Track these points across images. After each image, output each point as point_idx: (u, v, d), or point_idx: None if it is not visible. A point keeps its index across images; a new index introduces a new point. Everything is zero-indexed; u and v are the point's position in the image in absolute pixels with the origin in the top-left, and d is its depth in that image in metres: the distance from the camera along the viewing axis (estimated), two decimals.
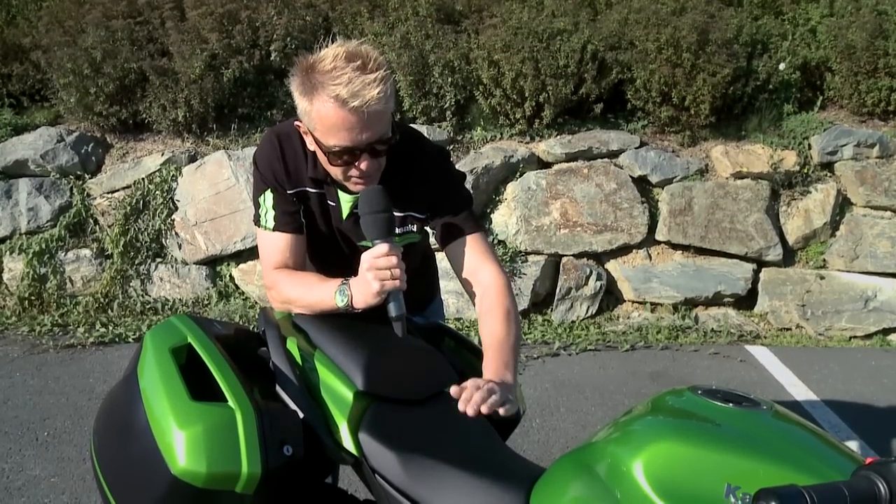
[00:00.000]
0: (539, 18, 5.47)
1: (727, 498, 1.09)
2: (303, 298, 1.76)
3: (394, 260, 1.59)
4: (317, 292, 1.73)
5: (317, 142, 1.65)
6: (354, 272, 1.68)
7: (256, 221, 1.86)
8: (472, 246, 1.82)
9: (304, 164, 1.81)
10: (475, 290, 1.80)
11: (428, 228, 1.92)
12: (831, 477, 1.06)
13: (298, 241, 1.84)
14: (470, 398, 1.38)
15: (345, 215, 1.84)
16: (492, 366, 1.60)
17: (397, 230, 1.82)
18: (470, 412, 1.36)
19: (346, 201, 1.82)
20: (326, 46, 1.61)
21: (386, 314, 1.61)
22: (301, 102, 1.63)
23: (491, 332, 1.69)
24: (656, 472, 1.14)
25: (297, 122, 1.72)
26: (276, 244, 1.83)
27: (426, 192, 1.83)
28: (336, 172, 1.69)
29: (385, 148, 1.66)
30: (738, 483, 1.10)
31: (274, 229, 1.82)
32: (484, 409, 1.36)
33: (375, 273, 1.58)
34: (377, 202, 1.62)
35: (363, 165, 1.64)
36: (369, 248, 1.63)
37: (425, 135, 2.05)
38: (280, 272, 1.82)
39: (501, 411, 1.40)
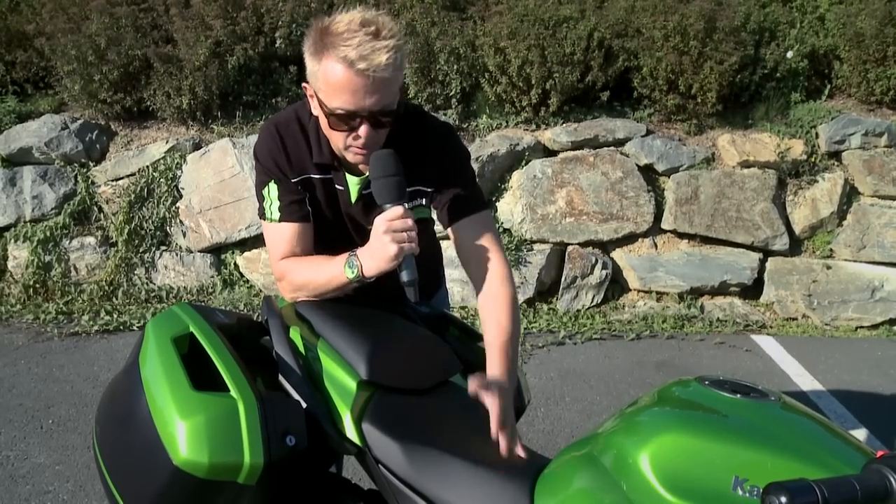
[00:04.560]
0: (545, 6, 5.43)
1: (735, 490, 1.08)
2: (314, 280, 1.74)
3: (409, 222, 1.58)
4: (326, 270, 1.71)
5: (320, 104, 1.63)
6: None
7: (262, 215, 1.85)
8: (480, 225, 1.82)
9: (306, 150, 1.79)
10: (476, 272, 1.80)
11: (433, 208, 1.90)
12: (841, 470, 1.04)
13: (306, 229, 1.82)
14: (505, 446, 1.48)
15: (353, 199, 1.82)
16: (500, 363, 1.64)
17: (408, 204, 1.82)
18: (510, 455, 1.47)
19: (354, 184, 1.81)
20: (346, 11, 1.61)
21: (391, 289, 1.63)
22: (311, 63, 1.63)
23: (496, 322, 1.71)
24: (663, 464, 1.13)
25: (304, 84, 1.71)
26: (282, 234, 1.81)
27: (434, 165, 1.82)
28: (336, 140, 1.68)
29: (388, 120, 1.65)
30: (746, 475, 1.09)
31: (280, 220, 1.80)
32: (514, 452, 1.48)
33: (392, 235, 1.57)
34: (389, 166, 1.61)
35: (362, 132, 1.61)
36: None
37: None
38: (288, 261, 1.80)
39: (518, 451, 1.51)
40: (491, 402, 1.49)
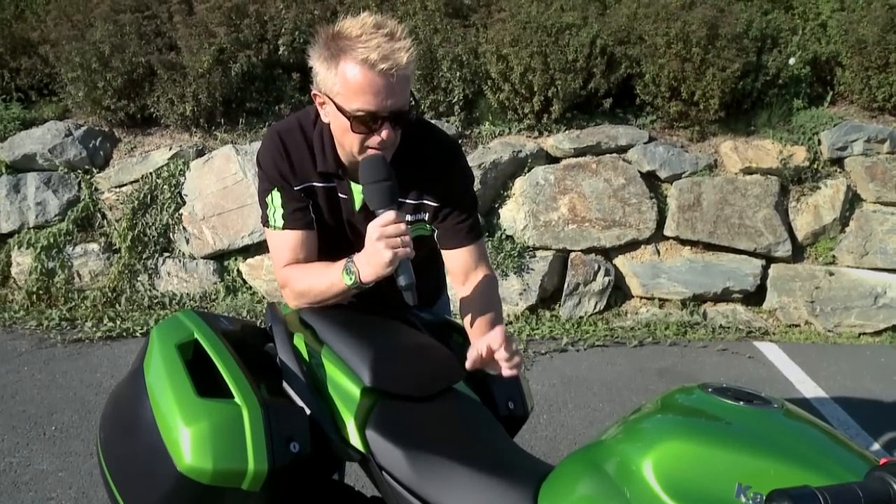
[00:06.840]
0: (548, 13, 5.44)
1: (738, 497, 1.08)
2: (315, 287, 1.75)
3: (402, 227, 1.58)
4: (326, 277, 1.72)
5: (338, 108, 1.63)
6: None
7: (265, 222, 1.85)
8: (471, 254, 1.90)
9: (309, 158, 1.80)
10: (467, 292, 1.88)
11: (433, 227, 1.92)
12: (844, 477, 1.04)
13: (309, 236, 1.83)
14: (510, 359, 1.52)
15: (357, 206, 1.83)
16: (488, 321, 1.74)
17: (409, 218, 1.82)
18: (514, 373, 1.52)
19: (358, 192, 1.81)
20: (348, 18, 1.65)
21: (393, 296, 1.64)
22: (323, 69, 1.63)
23: (480, 293, 1.84)
24: (666, 471, 1.13)
25: (314, 92, 1.71)
26: (286, 242, 1.82)
27: (441, 181, 1.82)
28: (352, 144, 1.67)
29: (404, 121, 1.66)
30: (749, 482, 1.09)
31: (284, 227, 1.81)
32: (515, 371, 1.53)
33: (386, 241, 1.57)
34: (379, 170, 1.61)
35: (384, 134, 1.62)
36: None
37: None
38: (290, 268, 1.81)
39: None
40: (494, 334, 1.54)
